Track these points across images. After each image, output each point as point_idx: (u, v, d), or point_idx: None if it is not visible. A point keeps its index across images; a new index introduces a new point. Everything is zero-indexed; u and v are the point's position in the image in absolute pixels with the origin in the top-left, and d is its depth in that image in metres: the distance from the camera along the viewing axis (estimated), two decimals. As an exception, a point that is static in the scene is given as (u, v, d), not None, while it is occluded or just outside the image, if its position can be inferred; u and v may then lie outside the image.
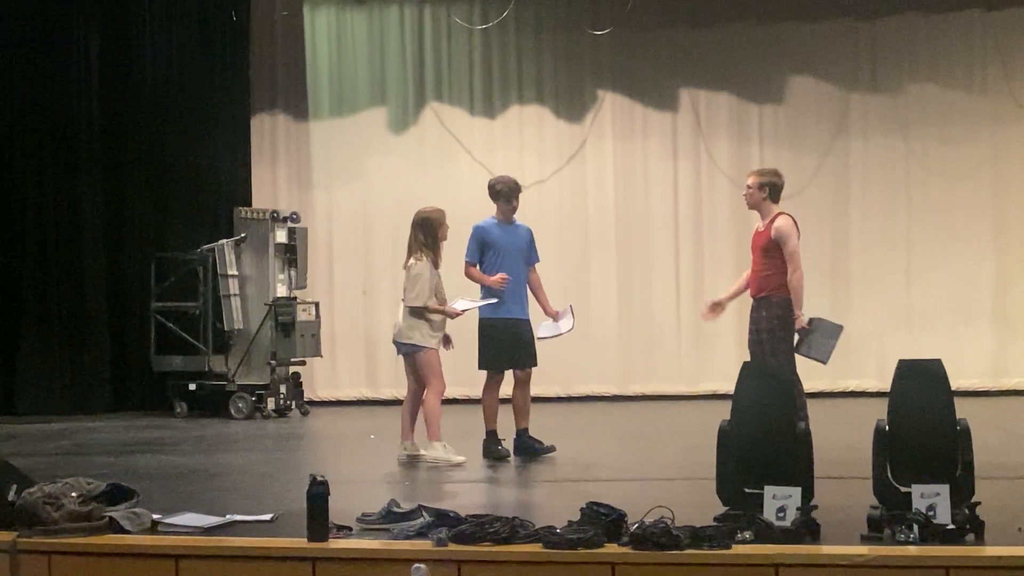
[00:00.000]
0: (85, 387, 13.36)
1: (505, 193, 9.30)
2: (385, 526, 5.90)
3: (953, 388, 5.87)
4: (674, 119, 14.10)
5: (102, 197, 13.58)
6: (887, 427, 5.82)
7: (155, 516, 6.10)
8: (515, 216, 9.41)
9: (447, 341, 9.08)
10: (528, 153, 14.13)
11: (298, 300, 12.80)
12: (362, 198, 14.18)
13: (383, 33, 14.33)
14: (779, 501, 5.62)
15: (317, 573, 5.46)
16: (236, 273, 12.82)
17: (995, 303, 13.69)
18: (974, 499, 5.63)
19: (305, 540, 5.56)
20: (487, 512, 5.95)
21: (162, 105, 13.70)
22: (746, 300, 8.68)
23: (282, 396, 12.62)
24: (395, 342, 9.01)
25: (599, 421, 12.39)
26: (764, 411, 5.96)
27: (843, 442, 8.30)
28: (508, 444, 9.16)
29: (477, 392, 9.34)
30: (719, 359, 13.23)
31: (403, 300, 8.93)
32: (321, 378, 14.00)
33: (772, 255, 8.35)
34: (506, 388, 9.29)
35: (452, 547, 5.39)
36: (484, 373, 9.24)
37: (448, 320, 8.96)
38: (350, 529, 5.88)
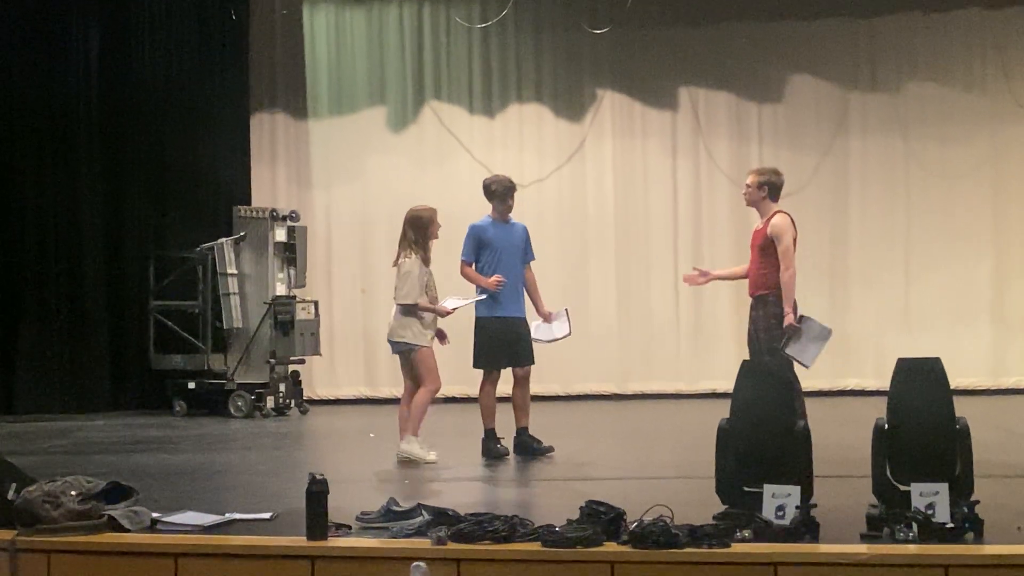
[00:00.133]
0: (84, 386, 13.33)
1: (500, 193, 9.30)
2: (384, 525, 5.89)
3: (952, 387, 5.89)
4: (673, 118, 14.11)
5: (101, 196, 13.56)
6: (886, 426, 5.82)
7: (154, 515, 6.09)
8: (511, 215, 9.41)
9: (442, 336, 9.09)
10: (527, 152, 14.14)
11: (297, 299, 12.80)
12: (361, 197, 14.18)
13: (382, 32, 14.33)
14: (778, 500, 5.62)
15: (316, 572, 5.45)
16: (235, 272, 12.83)
17: (994, 302, 13.71)
18: (973, 497, 5.63)
19: (304, 539, 5.55)
20: (486, 511, 5.94)
21: (161, 104, 13.69)
22: (745, 300, 8.68)
23: (281, 395, 12.62)
24: (389, 341, 9.02)
25: (598, 420, 12.40)
26: (763, 410, 5.96)
27: (842, 441, 8.29)
28: (507, 443, 9.16)
29: (476, 391, 9.34)
30: (718, 358, 13.25)
31: (394, 298, 8.95)
32: (320, 377, 14.00)
33: (769, 253, 8.34)
34: (506, 387, 9.29)
35: (451, 545, 5.38)
36: (482, 372, 9.25)
37: (440, 318, 8.98)
38: (349, 528, 5.87)
